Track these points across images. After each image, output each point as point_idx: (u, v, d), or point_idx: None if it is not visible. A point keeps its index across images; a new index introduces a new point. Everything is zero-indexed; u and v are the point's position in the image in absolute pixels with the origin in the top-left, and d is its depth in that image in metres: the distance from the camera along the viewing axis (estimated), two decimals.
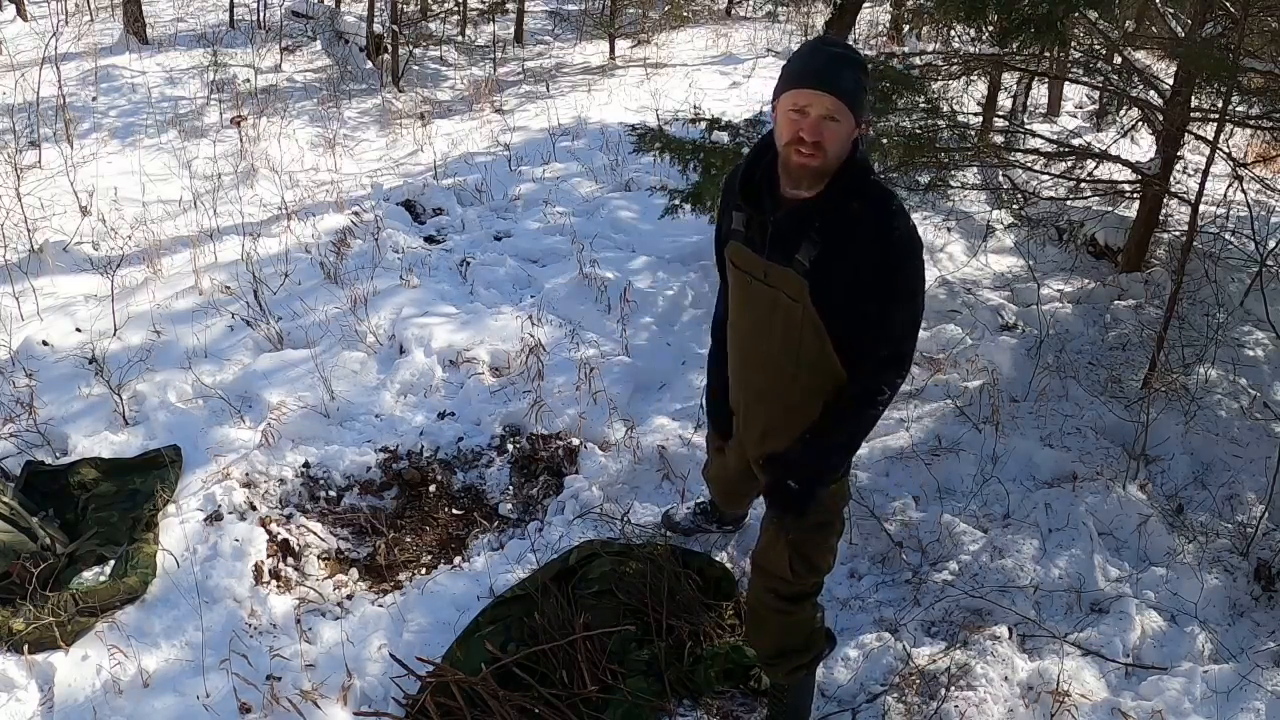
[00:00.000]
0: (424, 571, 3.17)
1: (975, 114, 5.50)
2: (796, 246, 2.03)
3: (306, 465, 3.52)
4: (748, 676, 2.71)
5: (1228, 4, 4.10)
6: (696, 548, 3.13)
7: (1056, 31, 3.81)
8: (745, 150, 4.58)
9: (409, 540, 3.32)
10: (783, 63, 2.06)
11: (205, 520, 3.18)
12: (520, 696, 2.54)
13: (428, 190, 5.86)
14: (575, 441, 3.66)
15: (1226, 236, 4.69)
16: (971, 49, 4.79)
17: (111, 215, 5.24)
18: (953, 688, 2.62)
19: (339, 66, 8.66)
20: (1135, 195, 4.95)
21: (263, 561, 3.06)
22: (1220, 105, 3.84)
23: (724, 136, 4.82)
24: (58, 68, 6.43)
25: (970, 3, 4.00)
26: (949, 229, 5.47)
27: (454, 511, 3.45)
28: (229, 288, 4.55)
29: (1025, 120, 6.91)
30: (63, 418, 3.64)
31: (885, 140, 4.18)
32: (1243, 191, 4.24)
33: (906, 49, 6.92)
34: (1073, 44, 4.50)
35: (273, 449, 3.53)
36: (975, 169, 5.08)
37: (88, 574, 3.03)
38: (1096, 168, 5.04)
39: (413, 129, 7.23)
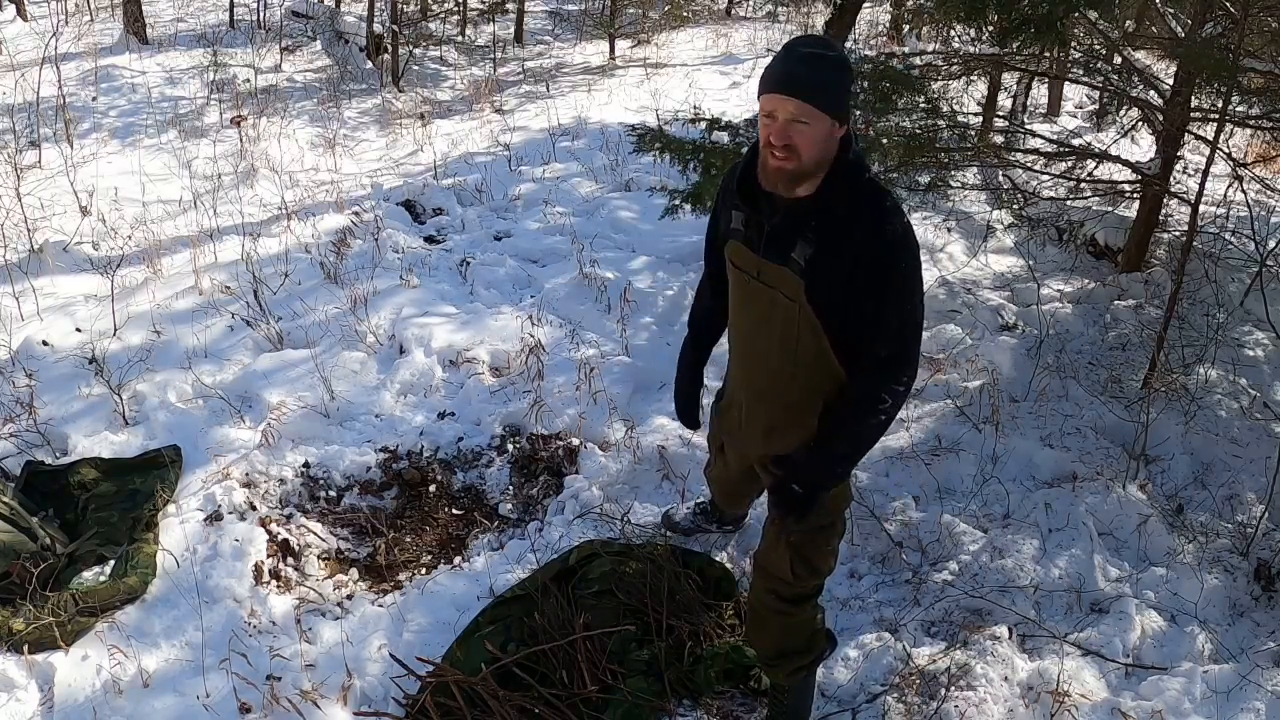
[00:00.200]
0: (424, 571, 3.17)
1: (975, 114, 5.50)
2: (792, 245, 2.04)
3: (306, 465, 3.52)
4: (748, 676, 2.71)
5: (1228, 4, 4.10)
6: (696, 548, 3.13)
7: (1056, 31, 3.80)
8: (745, 150, 4.57)
9: (409, 540, 3.32)
10: None
11: (205, 520, 3.18)
12: (520, 696, 2.54)
13: (428, 190, 5.86)
14: (575, 441, 3.66)
15: (1226, 236, 4.69)
16: (971, 49, 4.79)
17: (111, 215, 5.24)
18: (953, 688, 2.62)
19: (339, 66, 8.66)
20: (1135, 195, 4.95)
21: (263, 561, 3.06)
22: (1220, 105, 3.84)
23: (724, 136, 4.82)
24: (58, 68, 6.43)
25: (970, 3, 4.00)
26: (949, 229, 5.46)
27: (454, 511, 3.45)
28: (229, 288, 4.55)
29: (1025, 120, 6.91)
30: (63, 418, 3.64)
31: (885, 140, 4.17)
32: (1243, 191, 4.24)
33: (906, 49, 6.91)
34: (1073, 44, 4.50)
35: (273, 449, 3.53)
36: (975, 169, 5.08)
37: (88, 574, 3.03)
38: (1096, 168, 5.04)
39: (413, 129, 7.23)
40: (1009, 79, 6.07)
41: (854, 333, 2.08)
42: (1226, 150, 4.48)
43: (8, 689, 2.63)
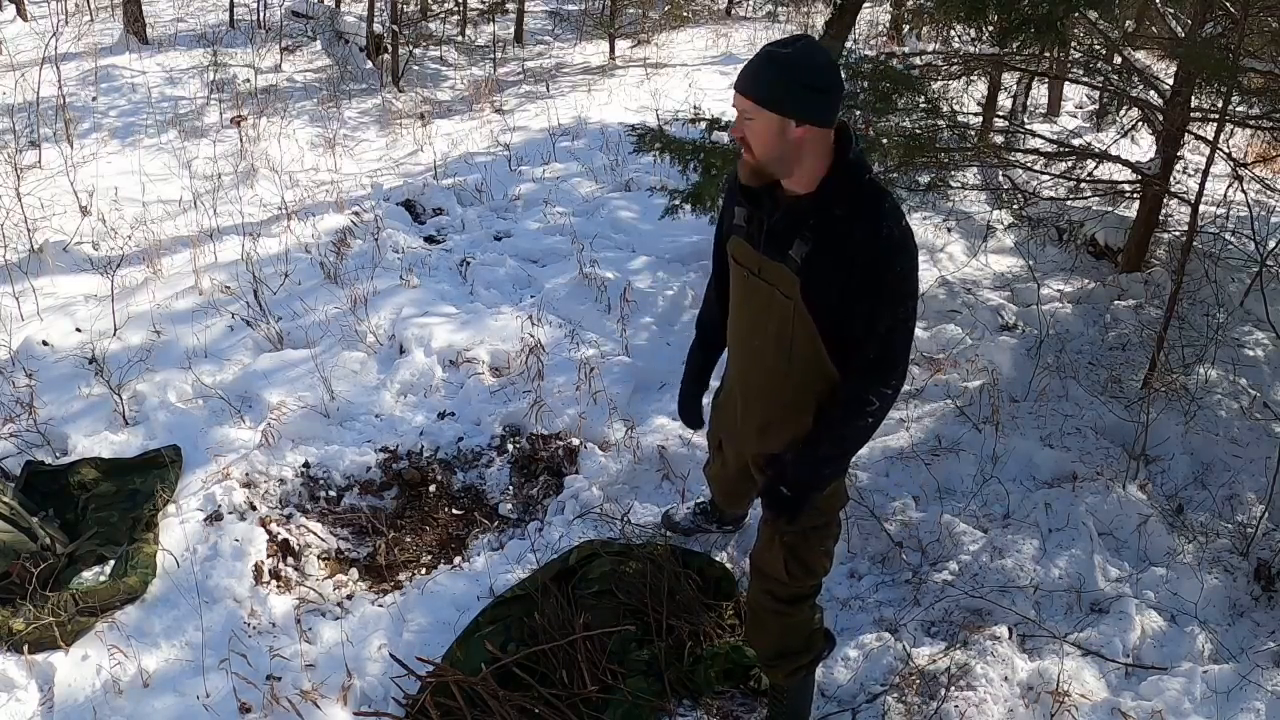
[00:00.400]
0: (424, 571, 3.17)
1: (975, 114, 5.50)
2: (790, 243, 2.05)
3: (306, 465, 3.52)
4: (748, 676, 2.71)
5: (1228, 4, 4.11)
6: (696, 548, 3.13)
7: (1056, 31, 3.80)
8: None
9: (409, 540, 3.32)
10: None
11: (205, 520, 3.18)
12: (520, 696, 2.54)
13: (428, 190, 5.86)
14: (575, 441, 3.66)
15: (1226, 236, 4.69)
16: (971, 49, 4.79)
17: (111, 215, 5.24)
18: (953, 688, 2.62)
19: (339, 66, 8.66)
20: (1135, 195, 4.96)
21: (263, 561, 3.06)
22: (1220, 105, 3.84)
23: (724, 136, 4.82)
24: (58, 68, 6.43)
25: (970, 3, 4.00)
26: (949, 229, 5.47)
27: (454, 511, 3.45)
28: (229, 288, 4.55)
29: (1025, 120, 6.91)
30: (63, 418, 3.64)
31: (885, 140, 4.17)
32: (1243, 191, 4.24)
33: (906, 49, 6.92)
34: (1073, 44, 4.50)
35: (273, 449, 3.53)
36: (975, 169, 5.08)
37: (88, 574, 3.03)
38: (1096, 168, 5.04)
39: (413, 129, 7.23)
40: (1009, 79, 6.07)
41: (847, 333, 2.08)
42: (1226, 150, 4.48)
43: (8, 689, 2.63)
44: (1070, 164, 4.97)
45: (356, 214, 5.44)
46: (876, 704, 2.63)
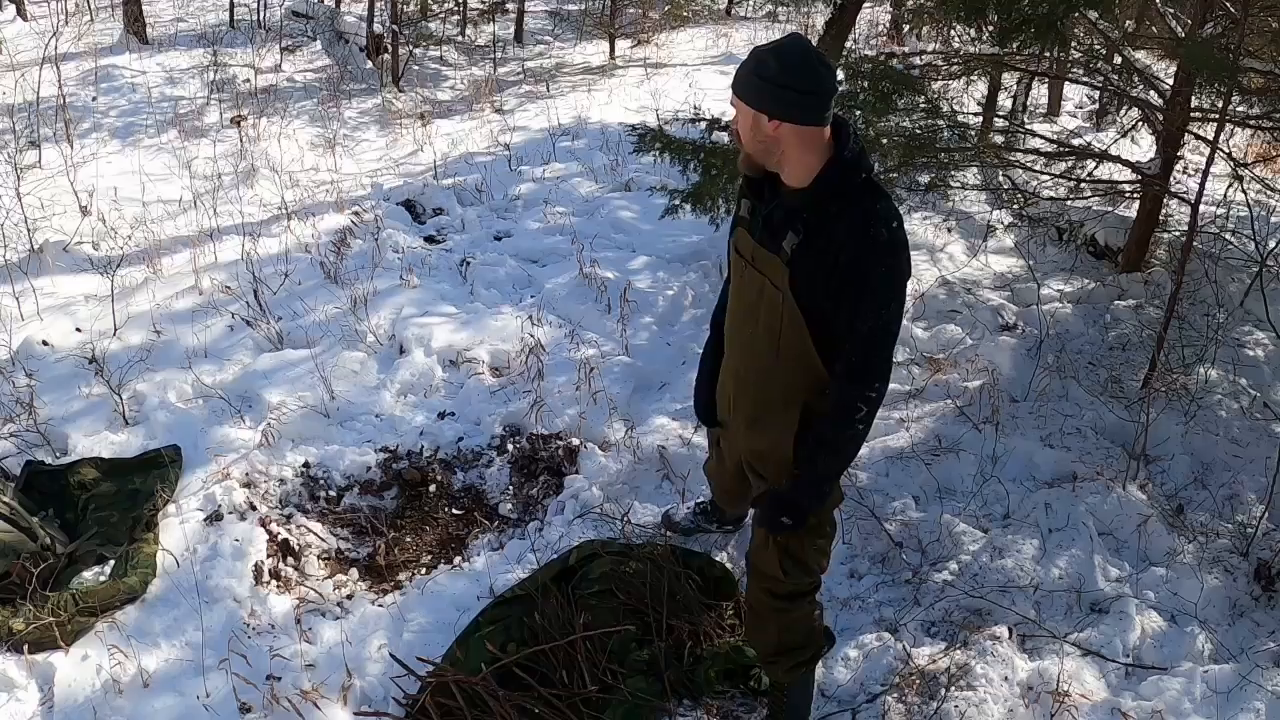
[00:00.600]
0: (424, 571, 3.17)
1: (975, 114, 5.50)
2: (784, 235, 2.09)
3: (306, 465, 3.52)
4: (748, 676, 2.71)
5: (1228, 4, 4.11)
6: (696, 548, 3.13)
7: (1056, 31, 3.80)
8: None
9: (409, 540, 3.32)
10: None
11: (205, 520, 3.18)
12: (520, 696, 2.54)
13: (428, 190, 5.86)
14: (575, 441, 3.66)
15: (1226, 236, 4.69)
16: (971, 49, 4.79)
17: (111, 215, 5.24)
18: (953, 688, 2.62)
19: (339, 66, 8.66)
20: (1135, 195, 4.95)
21: (263, 561, 3.06)
22: (1220, 105, 3.84)
23: (724, 136, 4.82)
24: (58, 68, 6.43)
25: (970, 3, 4.00)
26: (949, 229, 5.47)
27: (454, 511, 3.45)
28: (229, 288, 4.55)
29: (1025, 120, 6.91)
30: (63, 418, 3.64)
31: (885, 140, 4.17)
32: (1243, 191, 4.24)
33: (906, 49, 6.92)
34: (1073, 44, 4.50)
35: (273, 449, 3.53)
36: (975, 169, 5.07)
37: (88, 574, 3.03)
38: (1096, 168, 5.04)
39: (413, 129, 7.23)
40: (1009, 79, 6.07)
41: (831, 332, 2.10)
42: (1226, 150, 4.48)
43: (8, 689, 2.63)
44: (1070, 164, 4.96)
45: (356, 214, 5.44)
46: (876, 704, 2.63)
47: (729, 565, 3.05)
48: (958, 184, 4.99)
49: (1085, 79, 4.97)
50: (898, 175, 4.34)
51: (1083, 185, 4.96)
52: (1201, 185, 3.68)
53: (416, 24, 9.75)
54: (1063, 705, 2.57)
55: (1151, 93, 4.52)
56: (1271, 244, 4.24)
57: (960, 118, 4.52)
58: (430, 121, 7.46)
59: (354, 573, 3.18)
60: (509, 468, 3.60)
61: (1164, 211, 4.83)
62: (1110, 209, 5.39)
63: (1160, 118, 4.45)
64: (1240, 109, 4.39)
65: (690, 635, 2.78)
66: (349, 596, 3.06)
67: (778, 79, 1.97)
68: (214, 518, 3.20)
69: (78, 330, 4.17)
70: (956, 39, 6.19)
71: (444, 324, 4.29)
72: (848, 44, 5.26)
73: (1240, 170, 4.20)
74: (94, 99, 7.32)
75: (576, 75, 9.33)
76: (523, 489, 3.52)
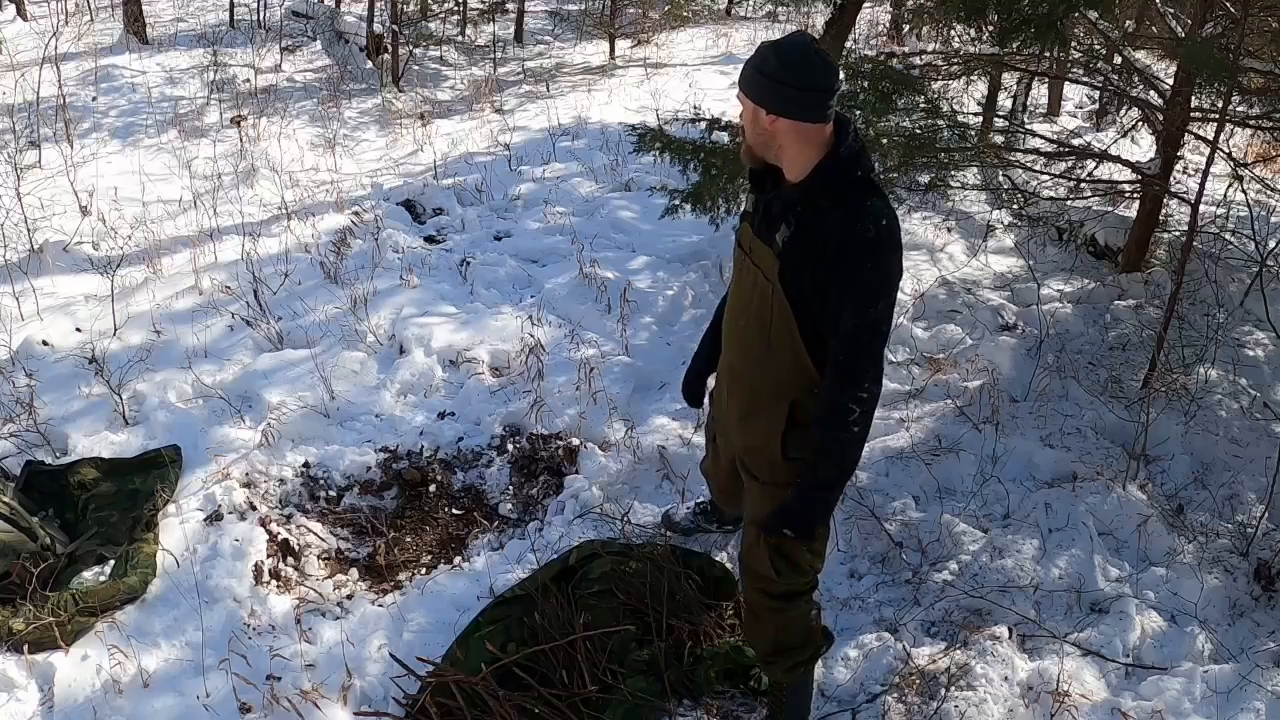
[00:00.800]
0: (424, 571, 3.17)
1: (975, 114, 5.50)
2: (778, 227, 2.12)
3: (306, 465, 3.52)
4: (748, 676, 2.71)
5: (1228, 4, 4.10)
6: (696, 548, 3.13)
7: (1056, 31, 3.80)
8: (741, 153, 4.58)
9: (409, 540, 3.32)
10: None
11: (205, 520, 3.18)
12: (520, 696, 2.54)
13: (428, 190, 5.86)
14: (575, 441, 3.66)
15: (1226, 236, 4.69)
16: (971, 49, 4.79)
17: (111, 215, 5.24)
18: (953, 688, 2.62)
19: (339, 66, 8.66)
20: (1135, 195, 4.95)
21: (263, 561, 3.06)
22: (1220, 105, 3.84)
23: (724, 136, 4.82)
24: (58, 68, 6.43)
25: (970, 3, 4.00)
26: (949, 229, 5.46)
27: (454, 511, 3.45)
28: (229, 288, 4.55)
29: (1025, 120, 6.91)
30: (63, 418, 3.64)
31: (885, 140, 4.17)
32: (1243, 191, 4.24)
33: (906, 49, 6.92)
34: (1073, 44, 4.50)
35: (273, 449, 3.53)
36: (975, 169, 5.07)
37: (88, 574, 3.03)
38: (1096, 168, 5.04)
39: (413, 129, 7.23)
40: (1009, 79, 6.07)
41: (819, 329, 2.11)
42: (1226, 150, 4.48)
43: (8, 689, 2.63)
44: (1070, 164, 4.96)
45: (356, 214, 5.44)
46: (876, 704, 2.63)
47: (729, 565, 3.05)
48: (958, 184, 4.99)
49: (1085, 79, 4.97)
50: (898, 175, 4.35)
51: (1083, 185, 4.96)
52: (1201, 185, 3.68)
53: (416, 24, 9.75)
54: (1063, 705, 2.57)
55: (1151, 93, 4.52)
56: (1271, 244, 4.24)
57: (960, 118, 4.52)
58: (430, 121, 7.46)
59: (354, 573, 3.18)
60: (509, 468, 3.60)
61: (1164, 211, 4.82)
62: (1110, 209, 5.39)
63: (1160, 118, 4.45)
64: (1240, 109, 4.39)
65: (690, 635, 2.78)
66: (349, 596, 3.06)
67: (776, 75, 2.00)
68: (214, 518, 3.20)
69: (78, 330, 4.17)
70: (956, 39, 6.20)
71: (444, 324, 4.29)
72: (848, 44, 5.26)
73: (1240, 170, 4.20)
74: (94, 99, 7.32)
75: (576, 75, 9.33)
76: (523, 489, 3.52)
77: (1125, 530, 3.21)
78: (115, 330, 4.15)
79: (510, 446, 3.68)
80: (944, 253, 5.24)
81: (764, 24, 11.90)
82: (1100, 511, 3.24)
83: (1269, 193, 4.58)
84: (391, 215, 5.49)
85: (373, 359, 4.07)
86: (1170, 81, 4.44)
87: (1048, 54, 4.55)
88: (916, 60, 4.95)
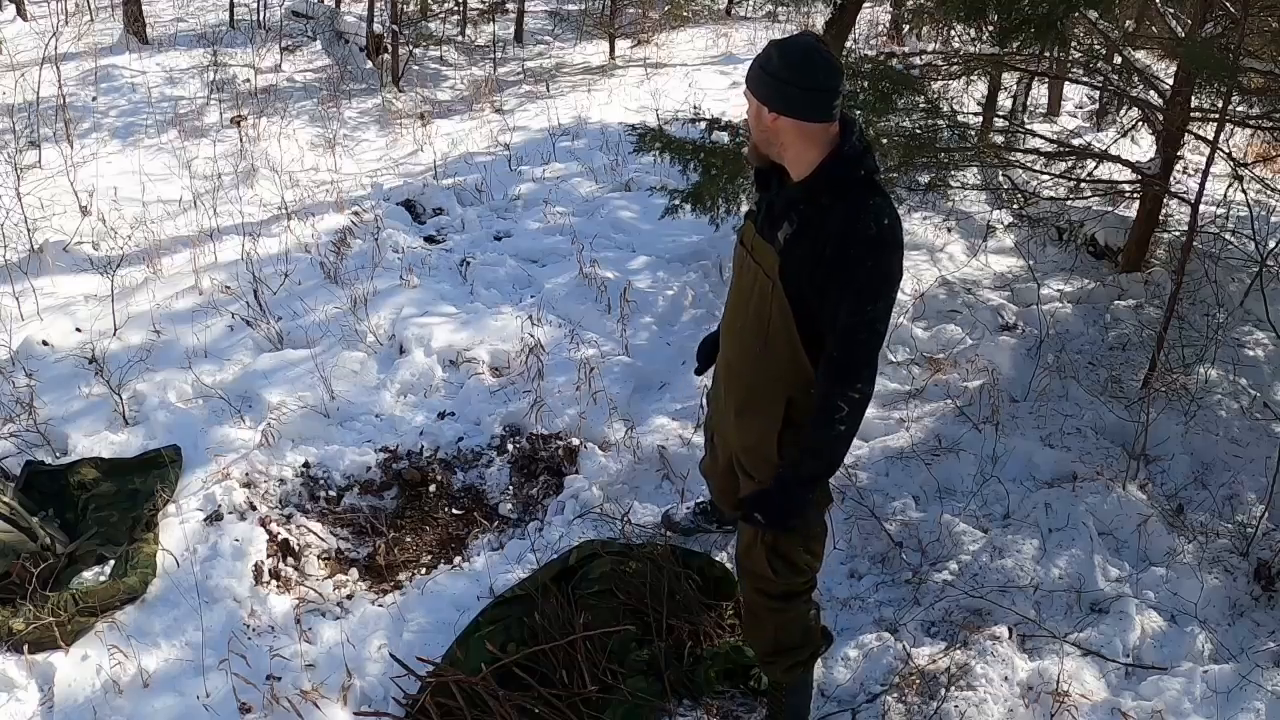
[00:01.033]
0: (424, 571, 3.17)
1: (975, 114, 5.50)
2: (779, 225, 2.13)
3: (306, 465, 3.52)
4: (748, 676, 2.71)
5: (1228, 4, 4.10)
6: (696, 548, 3.13)
7: (1056, 31, 3.80)
8: (745, 150, 4.59)
9: (409, 540, 3.32)
10: None
11: (205, 520, 3.18)
12: (520, 696, 2.54)
13: (428, 190, 5.86)
14: (575, 441, 3.66)
15: (1226, 236, 4.69)
16: (971, 49, 4.79)
17: (111, 215, 5.24)
18: (953, 688, 2.62)
19: (339, 66, 8.66)
20: (1135, 195, 4.95)
21: (263, 561, 3.06)
22: (1220, 105, 3.84)
23: (724, 136, 4.81)
24: (58, 68, 6.43)
25: (970, 3, 4.00)
26: (949, 229, 5.47)
27: (454, 511, 3.45)
28: (229, 288, 4.55)
29: (1025, 120, 6.90)
30: (63, 418, 3.64)
31: (885, 140, 4.17)
32: (1243, 191, 4.23)
33: (906, 49, 6.92)
34: (1073, 44, 4.50)
35: (273, 449, 3.53)
36: (975, 169, 5.07)
37: (88, 574, 3.03)
38: (1096, 168, 5.04)
39: (413, 129, 7.23)
40: (1009, 79, 6.07)
41: (816, 327, 2.12)
42: (1226, 150, 4.48)
43: (8, 689, 2.63)
44: (1070, 164, 4.96)
45: (356, 214, 5.45)
46: (876, 704, 2.63)
47: (729, 565, 3.05)
48: (958, 184, 4.99)
49: (1085, 79, 4.97)
50: (898, 175, 4.34)
51: (1083, 185, 4.96)
52: (1201, 185, 3.68)
53: (416, 24, 9.75)
54: (1063, 705, 2.57)
55: (1151, 93, 4.52)
56: (1271, 244, 4.24)
57: (960, 118, 4.52)
58: (430, 121, 7.46)
59: (354, 573, 3.18)
60: (509, 468, 3.60)
61: (1164, 211, 4.82)
62: (1110, 209, 5.39)
63: (1160, 118, 4.45)
64: (1240, 109, 4.39)
65: (690, 635, 2.78)
66: (349, 596, 3.06)
67: (779, 73, 2.01)
68: (214, 518, 3.20)
69: (78, 330, 4.17)
70: (956, 39, 6.20)
71: (444, 324, 4.29)
72: (848, 44, 5.26)
73: (1240, 170, 4.20)
74: (94, 99, 7.32)
75: (576, 75, 9.33)
76: (523, 489, 3.52)
77: (1125, 530, 3.21)
78: (115, 330, 4.15)
79: (510, 446, 3.68)
80: (944, 253, 5.24)
81: (764, 24, 11.90)
82: (1100, 511, 3.24)
83: (1269, 193, 4.57)
84: (391, 215, 5.49)
85: (373, 359, 4.07)
86: (1170, 81, 4.44)
87: (1048, 54, 4.55)
88: (916, 60, 4.95)
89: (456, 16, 10.84)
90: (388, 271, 4.79)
